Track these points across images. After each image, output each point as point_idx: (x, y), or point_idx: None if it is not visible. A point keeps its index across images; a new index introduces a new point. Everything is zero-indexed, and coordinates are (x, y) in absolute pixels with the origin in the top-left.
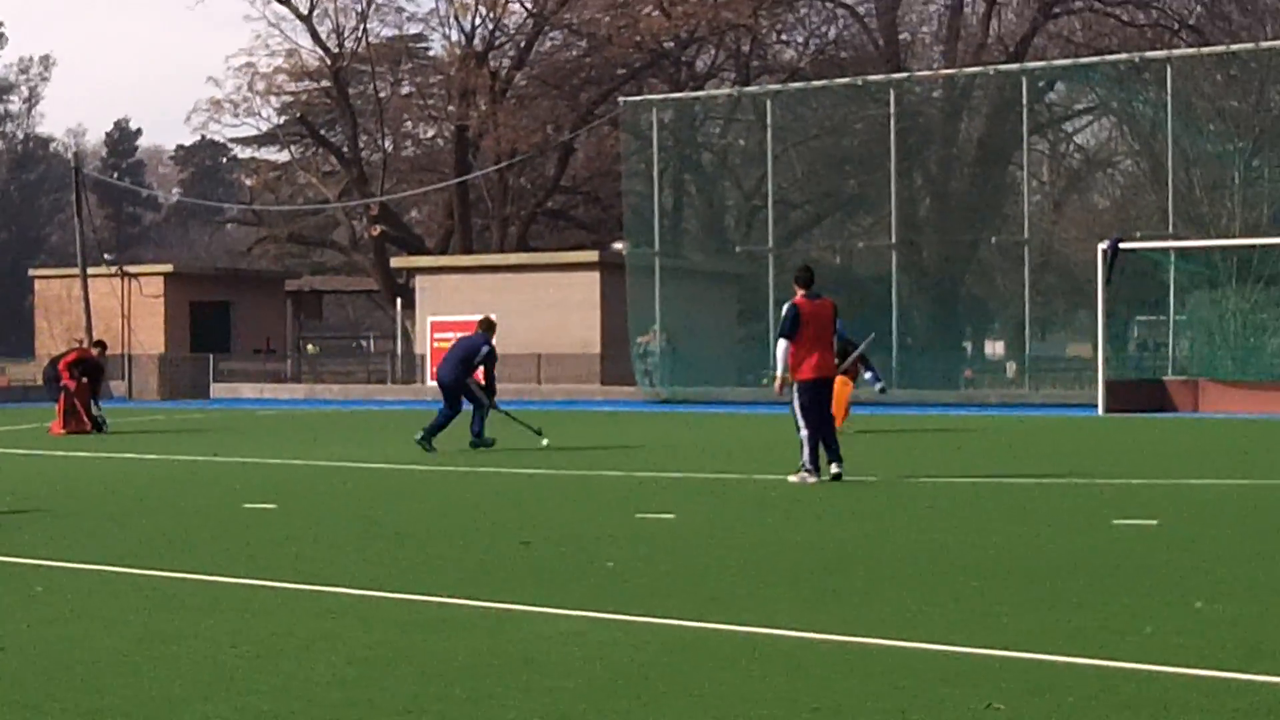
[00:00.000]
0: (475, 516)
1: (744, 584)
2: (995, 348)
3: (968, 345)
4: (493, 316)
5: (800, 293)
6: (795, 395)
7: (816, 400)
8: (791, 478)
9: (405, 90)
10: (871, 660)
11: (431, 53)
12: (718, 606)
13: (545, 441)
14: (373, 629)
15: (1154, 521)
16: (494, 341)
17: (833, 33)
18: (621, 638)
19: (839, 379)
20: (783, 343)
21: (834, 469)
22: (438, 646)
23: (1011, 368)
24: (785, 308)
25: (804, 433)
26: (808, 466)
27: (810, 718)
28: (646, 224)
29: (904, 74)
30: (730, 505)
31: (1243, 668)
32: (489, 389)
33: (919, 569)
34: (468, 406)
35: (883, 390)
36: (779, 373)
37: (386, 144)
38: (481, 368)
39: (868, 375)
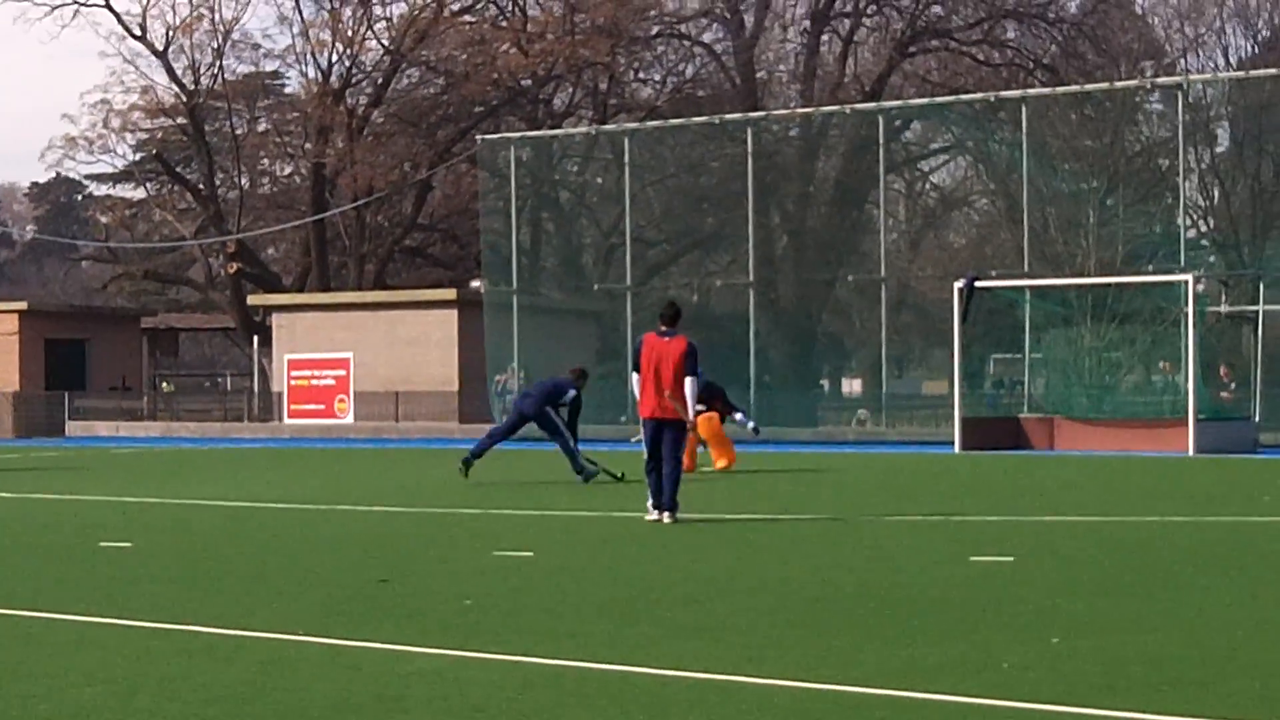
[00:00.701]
0: (334, 554)
1: (603, 621)
2: (852, 385)
3: (825, 383)
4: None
5: (660, 328)
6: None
7: (653, 439)
8: (649, 516)
9: (262, 127)
10: (729, 696)
11: (288, 89)
12: (576, 644)
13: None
14: (231, 667)
15: (1010, 558)
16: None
17: (690, 71)
18: (479, 675)
19: (702, 419)
20: (632, 376)
21: (665, 517)
22: (296, 685)
23: (864, 414)
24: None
25: (646, 475)
26: (652, 506)
27: None
28: (504, 262)
29: (761, 112)
30: (588, 542)
31: (1098, 702)
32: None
33: (778, 605)
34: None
35: (755, 431)
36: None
37: (243, 181)
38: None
39: (739, 416)
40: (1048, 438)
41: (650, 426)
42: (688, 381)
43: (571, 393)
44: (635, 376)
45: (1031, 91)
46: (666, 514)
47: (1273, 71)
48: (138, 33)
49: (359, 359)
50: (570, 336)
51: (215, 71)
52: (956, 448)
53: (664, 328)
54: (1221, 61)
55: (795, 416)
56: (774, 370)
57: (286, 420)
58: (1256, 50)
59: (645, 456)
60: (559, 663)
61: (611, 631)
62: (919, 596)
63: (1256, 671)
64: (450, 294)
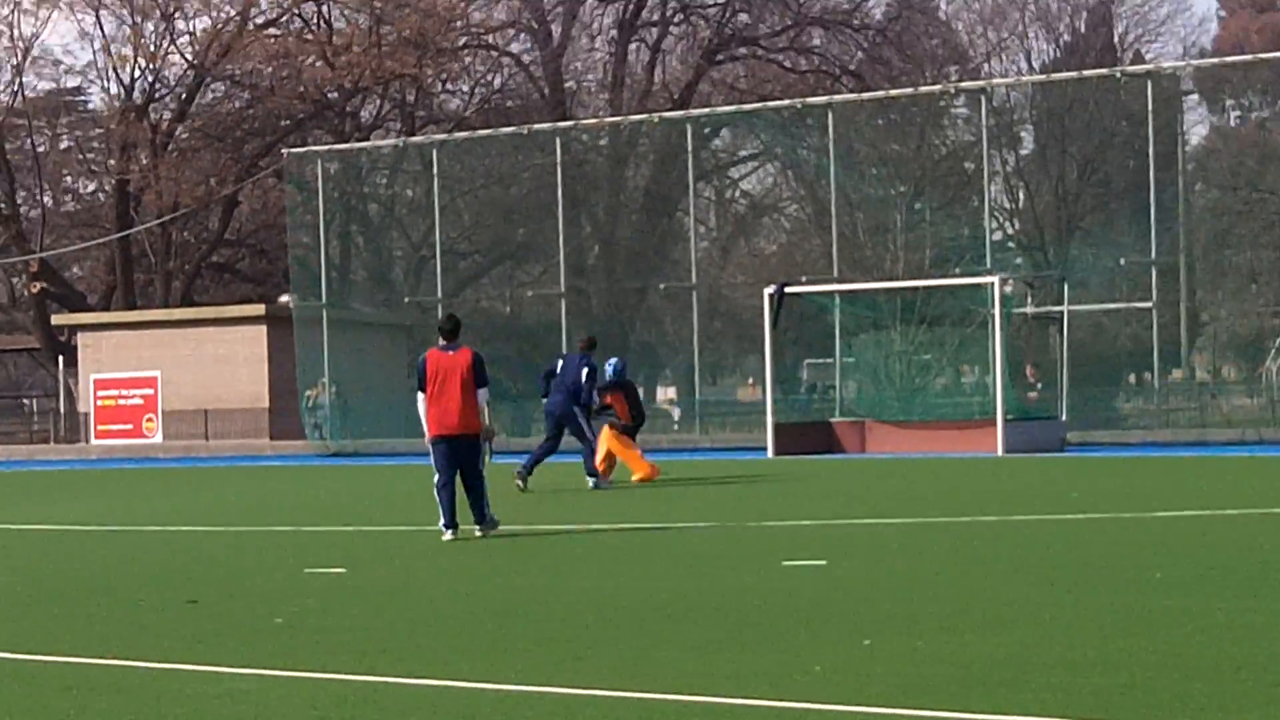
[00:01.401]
0: (143, 575)
1: (415, 636)
2: (667, 393)
3: (640, 391)
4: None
5: (441, 342)
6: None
7: (446, 457)
8: (477, 530)
9: (64, 145)
10: (540, 708)
11: (91, 106)
12: (389, 660)
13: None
14: (35, 692)
15: (823, 561)
16: (593, 360)
17: (498, 82)
18: (290, 695)
19: (605, 433)
20: (419, 396)
21: (477, 531)
22: (102, 709)
23: (676, 412)
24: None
25: (435, 492)
26: (443, 524)
27: None
28: (313, 276)
29: (570, 122)
30: (401, 557)
31: (909, 703)
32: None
33: (589, 616)
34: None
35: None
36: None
37: (45, 199)
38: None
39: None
40: (859, 441)
41: (441, 445)
42: (480, 393)
43: (585, 368)
44: (421, 396)
45: (838, 98)
46: (479, 528)
47: (1074, 75)
48: None
49: (167, 377)
50: (381, 350)
51: (15, 89)
52: (770, 453)
53: (444, 341)
54: (1024, 65)
55: None
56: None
57: (94, 441)
58: (1059, 54)
59: (435, 476)
60: (371, 679)
61: (423, 646)
62: (732, 603)
63: (1064, 669)
64: (259, 310)
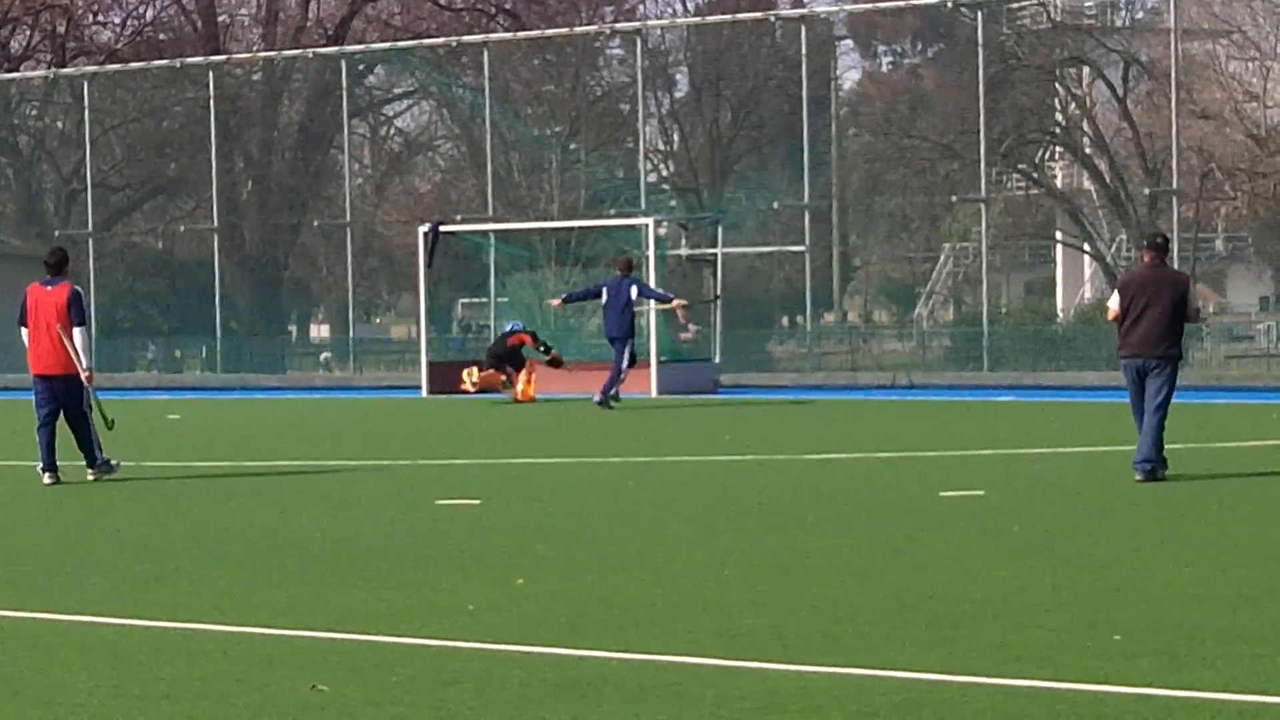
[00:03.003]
0: None
1: (64, 571)
2: (320, 331)
3: (293, 329)
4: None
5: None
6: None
7: (45, 395)
8: (89, 474)
9: None
10: (195, 645)
11: None
12: (37, 595)
13: None
14: None
15: (477, 501)
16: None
17: (151, 14)
18: None
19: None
20: (21, 331)
21: (90, 475)
22: None
23: (327, 356)
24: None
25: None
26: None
27: (135, 704)
28: None
29: (223, 57)
30: (50, 492)
31: (563, 642)
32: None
33: (241, 554)
34: None
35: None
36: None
37: None
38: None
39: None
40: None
41: (38, 384)
42: (76, 332)
43: (634, 289)
44: (24, 332)
45: (493, 36)
46: (91, 471)
47: (728, 18)
48: None
49: None
50: (27, 284)
51: None
52: (424, 392)
53: (50, 276)
54: (680, 8)
55: (262, 363)
56: (240, 316)
57: None
58: None
59: (37, 416)
60: (18, 614)
61: (73, 582)
62: (384, 542)
63: (716, 611)
64: None
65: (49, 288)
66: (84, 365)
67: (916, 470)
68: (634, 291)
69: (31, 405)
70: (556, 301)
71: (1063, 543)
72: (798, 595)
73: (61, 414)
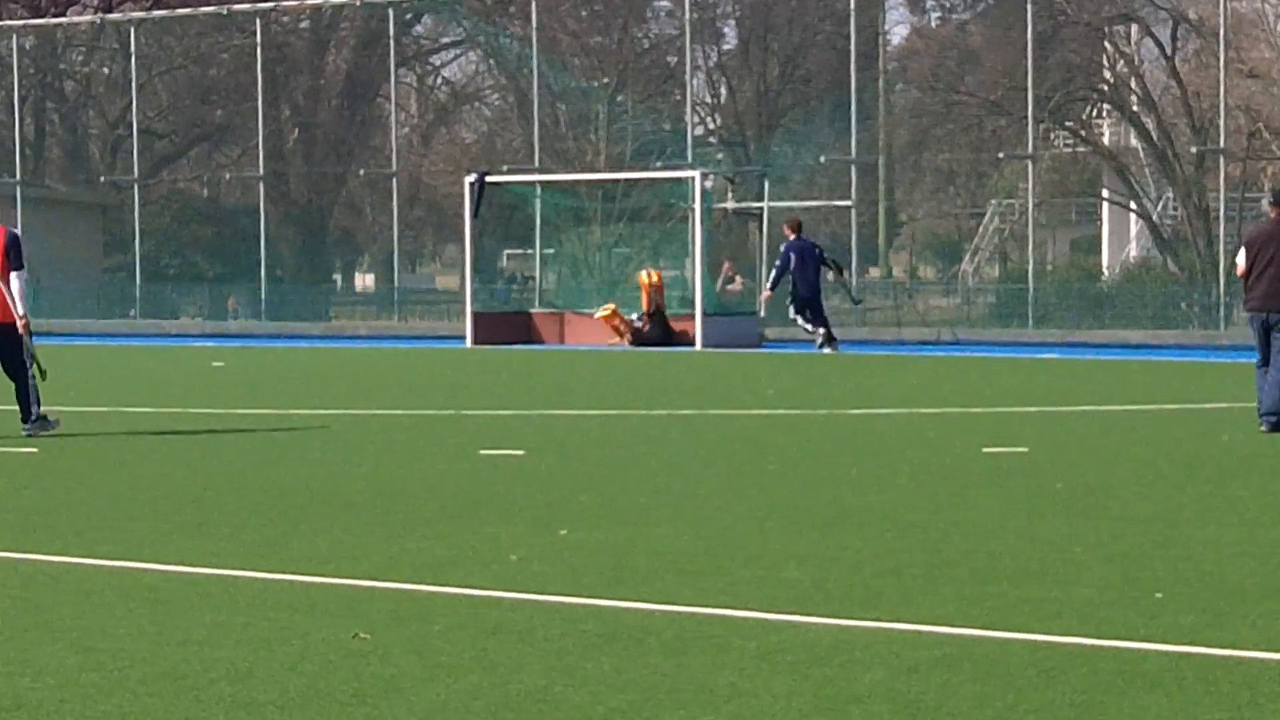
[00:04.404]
0: None
1: (107, 518)
2: (365, 280)
3: (337, 278)
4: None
5: None
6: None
7: None
8: (23, 429)
9: None
10: (237, 592)
11: None
12: (81, 541)
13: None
14: None
15: (520, 451)
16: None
17: None
18: None
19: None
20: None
21: (23, 430)
22: None
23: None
24: None
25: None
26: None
27: (177, 650)
28: (7, 153)
29: (270, 3)
30: (93, 440)
31: (605, 593)
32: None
33: (283, 501)
34: None
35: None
36: None
37: None
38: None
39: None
40: (559, 333)
41: None
42: (13, 277)
43: (820, 252)
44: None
45: None
46: (26, 427)
47: None
48: None
49: None
50: (77, 229)
51: None
52: (468, 342)
53: None
54: None
55: (307, 311)
56: (285, 264)
57: None
58: None
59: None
60: (62, 559)
61: (116, 528)
62: (427, 491)
63: (759, 563)
64: None
65: None
66: (20, 312)
67: (960, 426)
68: (820, 254)
69: None
70: (768, 293)
71: (1105, 500)
72: (839, 549)
73: None
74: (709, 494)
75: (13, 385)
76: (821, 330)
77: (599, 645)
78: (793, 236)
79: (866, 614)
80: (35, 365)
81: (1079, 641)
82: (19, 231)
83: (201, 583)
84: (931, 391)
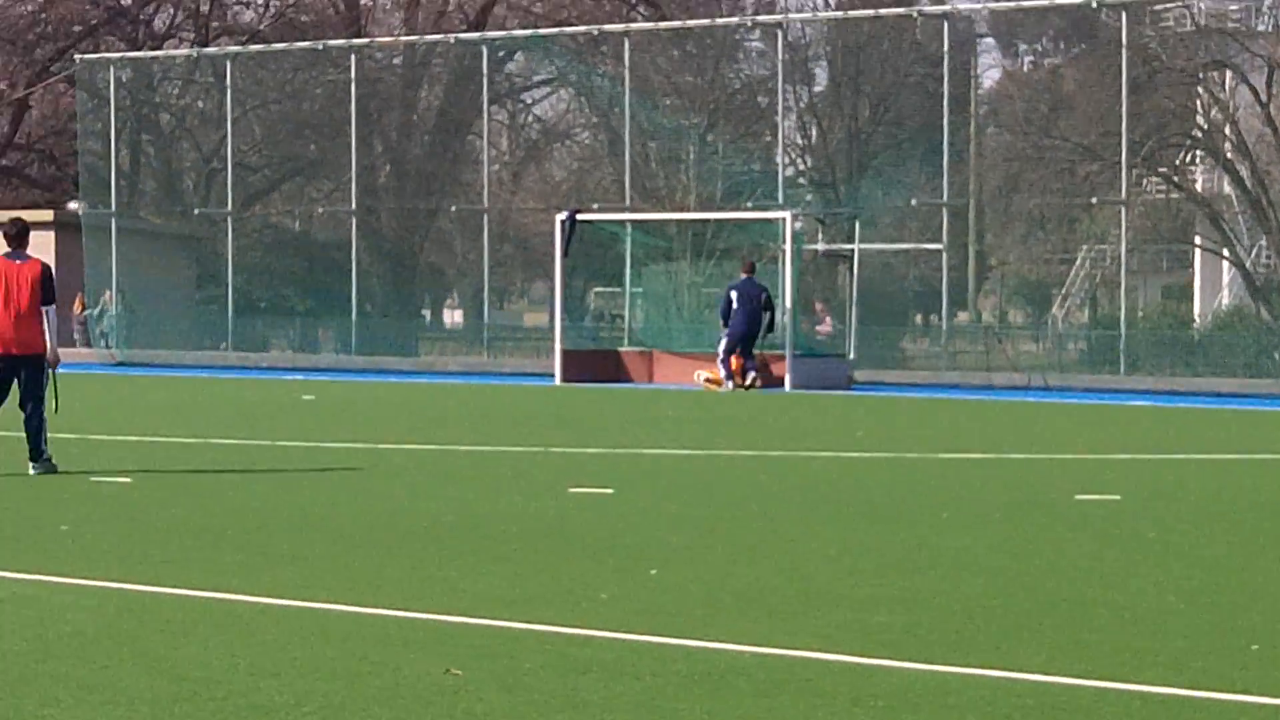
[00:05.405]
0: None
1: (199, 548)
2: (454, 316)
3: (426, 313)
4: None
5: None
6: None
7: (3, 379)
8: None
9: None
10: (328, 624)
11: None
12: (172, 570)
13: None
14: None
15: (609, 490)
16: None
17: None
18: (75, 601)
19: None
20: None
21: (31, 469)
22: None
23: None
24: None
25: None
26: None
27: (270, 682)
28: (103, 184)
29: (364, 40)
30: (186, 470)
31: (695, 633)
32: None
33: (374, 535)
34: None
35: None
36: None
37: None
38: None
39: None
40: (647, 371)
41: (2, 363)
42: (50, 311)
43: (764, 295)
44: None
45: (634, 26)
46: (34, 466)
47: (870, 13)
48: None
49: None
50: (169, 261)
51: None
52: (557, 379)
53: (9, 249)
54: (821, 1)
55: (396, 345)
56: (375, 299)
57: None
58: None
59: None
60: (156, 589)
61: (209, 559)
62: (516, 528)
63: (850, 605)
64: (47, 215)
65: (17, 262)
66: (52, 346)
67: (1052, 472)
68: (763, 297)
69: None
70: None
71: (1198, 549)
72: (931, 593)
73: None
74: (798, 535)
75: (27, 416)
76: (751, 373)
77: (690, 686)
78: (743, 276)
79: (959, 660)
80: (54, 401)
81: (1173, 692)
82: (51, 264)
83: (293, 615)
84: (1022, 437)
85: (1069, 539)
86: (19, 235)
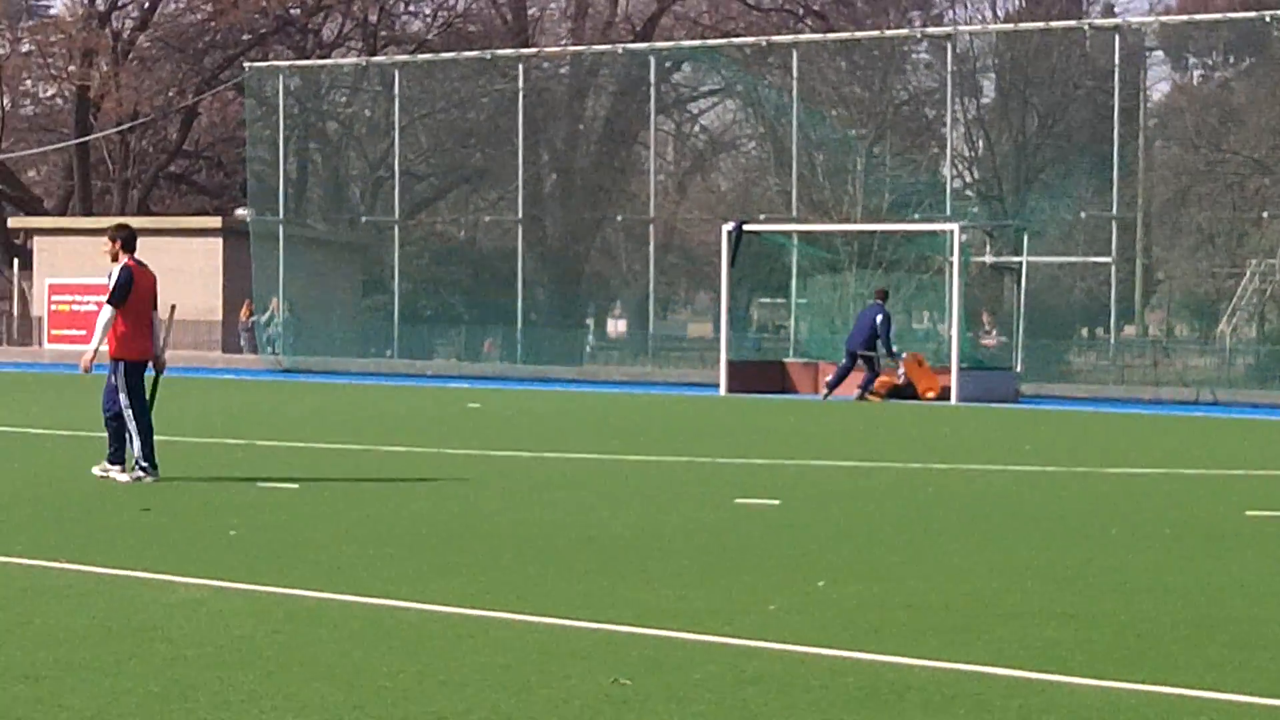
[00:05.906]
0: (94, 481)
1: (366, 555)
2: (618, 326)
3: (590, 322)
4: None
5: (127, 257)
6: (119, 375)
7: (141, 385)
8: (120, 476)
9: (25, 48)
10: (496, 633)
11: (53, 11)
12: (341, 577)
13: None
14: None
15: (776, 501)
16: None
17: (461, 5)
18: (244, 606)
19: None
20: (108, 310)
21: (126, 475)
22: (59, 613)
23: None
24: (118, 271)
25: (131, 423)
26: (142, 464)
27: (439, 690)
28: (270, 191)
29: (532, 49)
30: (353, 478)
31: (862, 647)
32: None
33: (541, 544)
34: None
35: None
36: (95, 345)
37: (4, 102)
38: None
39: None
40: (812, 382)
41: (138, 370)
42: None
43: (880, 316)
44: (110, 310)
45: (802, 37)
46: (123, 471)
47: (1039, 25)
48: None
49: None
50: (336, 268)
51: None
52: (722, 390)
53: (128, 253)
54: (989, 14)
55: (561, 355)
56: (540, 308)
57: (47, 345)
58: (1023, 3)
59: (126, 404)
60: (323, 595)
61: (376, 566)
62: (683, 538)
63: (1018, 620)
64: (215, 222)
65: (144, 269)
66: (94, 345)
67: (1221, 488)
68: (878, 320)
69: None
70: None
71: None
72: (1100, 609)
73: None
74: (966, 549)
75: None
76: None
77: (860, 700)
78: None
79: (1129, 676)
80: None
81: None
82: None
83: (460, 623)
84: (1191, 452)
85: (1239, 556)
86: (128, 239)
